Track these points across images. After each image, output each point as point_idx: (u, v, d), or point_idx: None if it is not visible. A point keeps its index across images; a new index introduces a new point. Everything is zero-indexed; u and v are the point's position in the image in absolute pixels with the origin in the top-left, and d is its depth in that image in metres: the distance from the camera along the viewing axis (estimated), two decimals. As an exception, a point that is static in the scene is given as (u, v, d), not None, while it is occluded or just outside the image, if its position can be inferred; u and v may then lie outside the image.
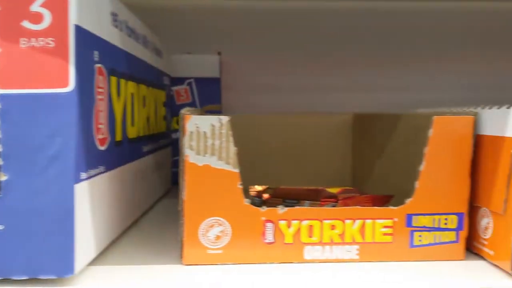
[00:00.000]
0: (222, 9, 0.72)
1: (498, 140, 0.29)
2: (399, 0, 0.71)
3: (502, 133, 0.29)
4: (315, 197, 0.36)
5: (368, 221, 0.31)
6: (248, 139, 0.55)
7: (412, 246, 0.31)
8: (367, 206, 0.34)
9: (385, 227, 0.31)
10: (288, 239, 0.31)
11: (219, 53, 0.63)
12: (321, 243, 0.31)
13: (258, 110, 0.73)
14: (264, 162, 0.55)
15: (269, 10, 0.72)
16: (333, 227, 0.31)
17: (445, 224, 0.31)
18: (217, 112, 0.59)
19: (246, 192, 0.49)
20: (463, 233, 0.31)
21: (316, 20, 0.72)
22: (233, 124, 0.57)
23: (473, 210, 0.32)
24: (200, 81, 0.62)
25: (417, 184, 0.31)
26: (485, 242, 0.31)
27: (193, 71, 0.62)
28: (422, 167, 0.31)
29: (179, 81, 0.62)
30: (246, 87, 0.74)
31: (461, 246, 0.31)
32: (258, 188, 0.48)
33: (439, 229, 0.31)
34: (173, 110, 0.61)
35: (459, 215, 0.31)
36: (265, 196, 0.46)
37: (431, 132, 0.31)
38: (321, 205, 0.34)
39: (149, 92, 0.46)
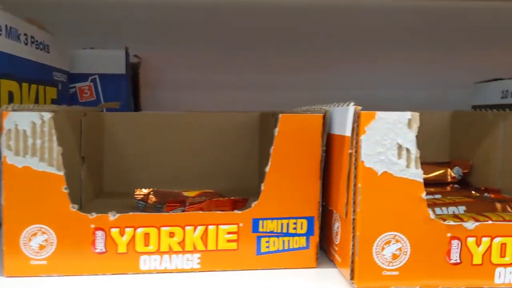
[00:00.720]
0: (142, 5, 0.69)
1: (341, 140, 0.27)
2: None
3: (343, 132, 0.27)
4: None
5: (211, 227, 0.28)
6: (152, 138, 0.52)
7: (259, 253, 0.29)
8: (225, 210, 0.32)
9: (229, 233, 0.29)
10: (122, 248, 0.28)
11: (126, 48, 0.60)
12: (158, 252, 0.28)
13: (180, 107, 0.70)
14: (169, 163, 0.53)
15: (191, 6, 0.69)
16: (172, 234, 0.28)
17: (294, 229, 0.29)
18: (115, 110, 0.56)
19: (131, 196, 0.46)
20: (314, 239, 0.29)
21: (241, 16, 0.70)
22: (137, 124, 0.55)
23: (329, 214, 0.31)
24: (104, 77, 0.59)
25: (263, 186, 0.29)
26: (336, 248, 0.29)
27: (97, 67, 0.59)
28: (267, 168, 0.29)
29: (82, 77, 0.59)
30: (167, 84, 0.72)
31: (312, 252, 0.29)
32: (144, 191, 0.46)
33: (288, 234, 0.29)
34: (77, 108, 0.57)
35: (309, 219, 0.29)
36: (152, 199, 0.44)
37: (276, 131, 0.29)
38: (167, 211, 0.32)
39: (24, 88, 0.43)
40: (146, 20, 0.69)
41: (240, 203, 0.33)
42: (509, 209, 0.38)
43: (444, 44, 0.71)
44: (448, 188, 0.47)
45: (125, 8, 0.69)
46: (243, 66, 0.71)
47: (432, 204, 0.37)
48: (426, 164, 0.48)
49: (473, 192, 0.43)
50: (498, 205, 0.38)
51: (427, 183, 0.47)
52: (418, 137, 0.51)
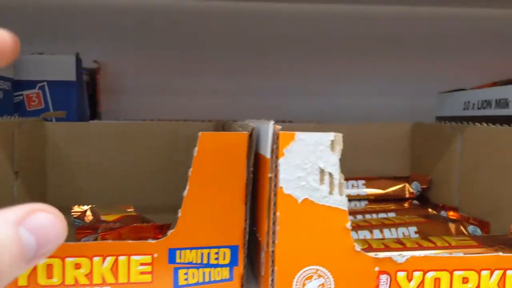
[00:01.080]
0: (103, 10, 0.66)
1: (265, 161, 0.25)
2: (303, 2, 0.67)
3: (266, 153, 0.24)
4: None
5: (122, 258, 0.26)
6: (98, 149, 0.50)
7: (176, 286, 0.26)
8: (146, 236, 0.29)
9: (143, 264, 0.26)
10: (22, 281, 0.25)
11: (77, 54, 0.57)
12: (63, 285, 0.25)
13: (146, 113, 0.67)
14: (116, 175, 0.50)
15: (154, 10, 0.67)
16: (78, 266, 0.26)
17: (216, 259, 0.26)
18: (61, 120, 0.53)
19: (68, 212, 0.43)
20: (238, 269, 0.27)
21: (205, 21, 0.68)
22: (82, 134, 0.52)
23: (258, 242, 0.28)
24: (54, 84, 0.56)
25: (180, 213, 0.26)
26: (262, 280, 0.27)
27: (45, 74, 0.56)
28: (185, 193, 0.26)
29: (29, 84, 0.55)
30: (132, 90, 0.69)
31: (236, 284, 0.27)
32: (83, 207, 0.43)
33: (208, 265, 0.26)
34: (25, 117, 0.54)
35: (233, 248, 0.26)
36: (89, 217, 0.41)
37: (196, 151, 0.26)
38: (78, 238, 0.29)
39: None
40: (109, 25, 0.67)
41: (167, 229, 0.30)
42: (462, 229, 0.36)
43: (413, 52, 0.69)
44: (406, 205, 0.44)
45: (86, 13, 0.66)
46: (212, 72, 0.69)
47: (380, 225, 0.35)
48: (383, 178, 0.46)
49: (430, 209, 0.41)
50: (452, 226, 0.36)
51: (385, 199, 0.45)
52: (378, 149, 0.50)
